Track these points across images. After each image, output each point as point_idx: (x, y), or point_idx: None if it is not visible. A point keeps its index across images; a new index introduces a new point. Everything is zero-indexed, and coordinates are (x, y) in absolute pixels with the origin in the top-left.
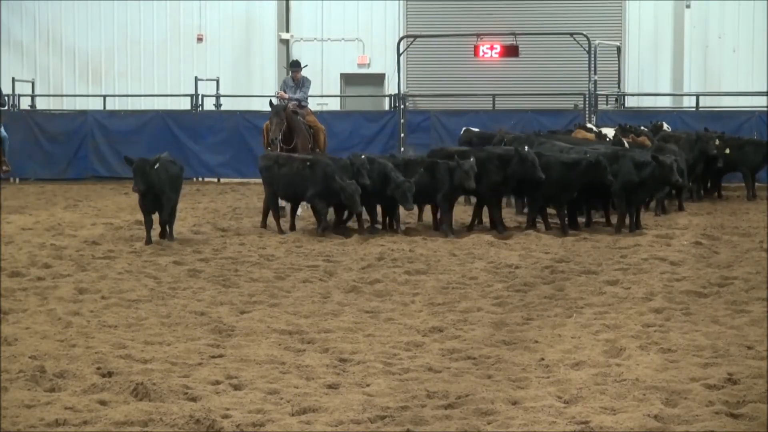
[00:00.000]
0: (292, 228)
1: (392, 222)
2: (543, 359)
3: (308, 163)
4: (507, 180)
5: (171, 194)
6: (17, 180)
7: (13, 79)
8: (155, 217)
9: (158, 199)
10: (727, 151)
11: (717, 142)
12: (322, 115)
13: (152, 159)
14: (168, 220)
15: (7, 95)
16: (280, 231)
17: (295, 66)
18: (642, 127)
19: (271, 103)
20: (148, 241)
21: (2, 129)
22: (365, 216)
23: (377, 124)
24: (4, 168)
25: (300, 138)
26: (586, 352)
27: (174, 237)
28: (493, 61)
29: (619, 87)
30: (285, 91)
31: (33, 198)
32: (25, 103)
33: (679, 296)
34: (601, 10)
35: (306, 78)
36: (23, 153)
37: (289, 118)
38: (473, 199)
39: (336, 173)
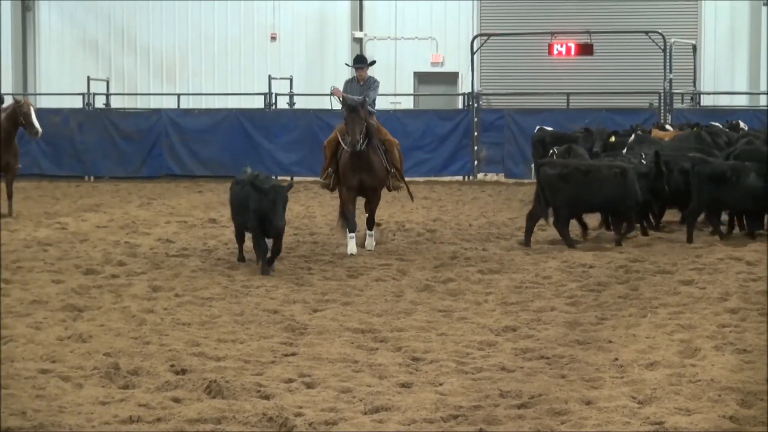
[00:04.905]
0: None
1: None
2: (617, 359)
3: (617, 170)
4: None
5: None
6: (92, 178)
7: (89, 77)
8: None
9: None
10: None
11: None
12: (395, 114)
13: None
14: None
15: (83, 94)
16: (527, 242)
17: (359, 62)
18: None
19: (345, 97)
20: (241, 258)
21: None
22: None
23: (451, 122)
24: None
25: (373, 150)
26: (660, 352)
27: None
28: (567, 59)
29: (694, 85)
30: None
31: (108, 196)
32: (100, 102)
33: (755, 296)
34: (676, 8)
35: (373, 78)
36: (98, 151)
37: (366, 119)
38: None
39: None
